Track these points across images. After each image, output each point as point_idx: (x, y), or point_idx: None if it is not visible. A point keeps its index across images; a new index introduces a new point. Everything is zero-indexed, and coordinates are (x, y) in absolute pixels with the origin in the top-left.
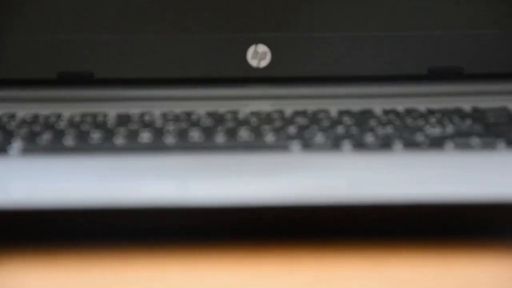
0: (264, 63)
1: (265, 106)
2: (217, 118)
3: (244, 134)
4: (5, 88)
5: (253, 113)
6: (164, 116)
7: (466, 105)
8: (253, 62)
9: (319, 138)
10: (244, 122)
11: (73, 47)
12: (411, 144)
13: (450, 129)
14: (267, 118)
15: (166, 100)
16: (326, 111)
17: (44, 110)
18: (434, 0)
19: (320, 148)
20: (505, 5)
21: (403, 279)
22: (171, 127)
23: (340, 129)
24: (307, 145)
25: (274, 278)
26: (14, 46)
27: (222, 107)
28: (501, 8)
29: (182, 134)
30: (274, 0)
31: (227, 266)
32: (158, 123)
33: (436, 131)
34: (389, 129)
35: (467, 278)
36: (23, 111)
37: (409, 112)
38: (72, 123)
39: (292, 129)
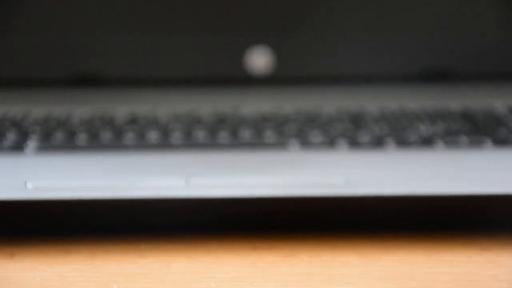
0: (263, 64)
1: (265, 106)
2: (220, 118)
3: (245, 133)
4: (18, 88)
5: (254, 113)
6: (170, 115)
7: (456, 104)
8: (253, 63)
9: (316, 136)
10: (245, 122)
11: (83, 48)
12: (403, 143)
13: (440, 128)
14: (266, 118)
15: (172, 100)
16: (323, 111)
17: (56, 109)
18: (426, 3)
19: (317, 146)
20: (494, 8)
21: (397, 271)
22: (176, 126)
23: (336, 128)
24: (305, 144)
25: (273, 268)
26: (26, 47)
27: (224, 107)
28: (491, 10)
29: (187, 133)
30: (274, 3)
31: (228, 256)
32: (164, 122)
33: (427, 130)
34: (382, 128)
35: (458, 270)
36: (35, 111)
37: (401, 111)
38: (83, 123)
39: (290, 128)
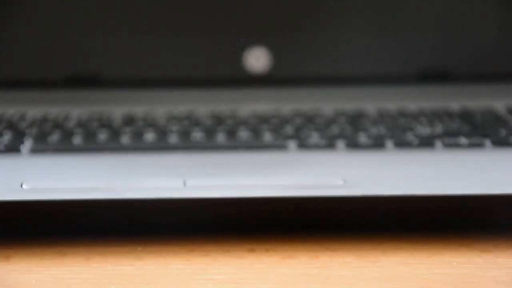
0: (262, 64)
1: (263, 106)
2: (218, 119)
3: (243, 134)
4: (14, 88)
5: (252, 114)
6: (167, 116)
7: (455, 105)
8: (252, 64)
9: (315, 137)
10: (243, 122)
11: (80, 49)
12: (402, 143)
13: (439, 128)
14: (265, 118)
15: (169, 100)
16: (321, 111)
17: (53, 110)
18: (425, 3)
19: (316, 147)
20: (493, 9)
21: (396, 272)
22: (174, 127)
23: (334, 129)
24: (303, 144)
25: (271, 269)
26: (23, 48)
27: (222, 107)
28: (490, 11)
29: (184, 134)
30: (272, 3)
31: (226, 258)
32: (162, 123)
33: (426, 130)
34: (381, 129)
35: (457, 271)
36: (32, 111)
37: (400, 112)
38: (80, 123)
39: (288, 129)
